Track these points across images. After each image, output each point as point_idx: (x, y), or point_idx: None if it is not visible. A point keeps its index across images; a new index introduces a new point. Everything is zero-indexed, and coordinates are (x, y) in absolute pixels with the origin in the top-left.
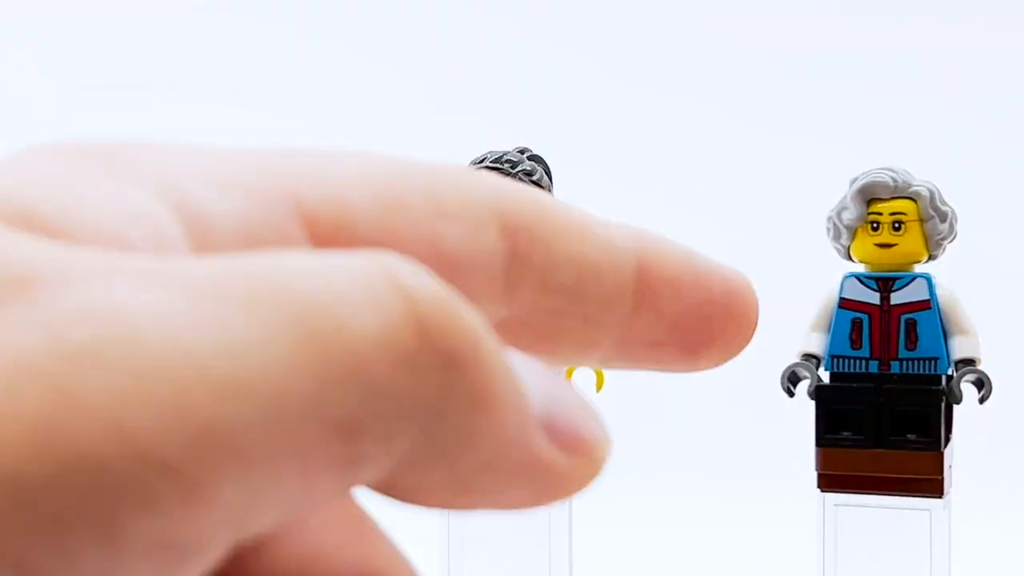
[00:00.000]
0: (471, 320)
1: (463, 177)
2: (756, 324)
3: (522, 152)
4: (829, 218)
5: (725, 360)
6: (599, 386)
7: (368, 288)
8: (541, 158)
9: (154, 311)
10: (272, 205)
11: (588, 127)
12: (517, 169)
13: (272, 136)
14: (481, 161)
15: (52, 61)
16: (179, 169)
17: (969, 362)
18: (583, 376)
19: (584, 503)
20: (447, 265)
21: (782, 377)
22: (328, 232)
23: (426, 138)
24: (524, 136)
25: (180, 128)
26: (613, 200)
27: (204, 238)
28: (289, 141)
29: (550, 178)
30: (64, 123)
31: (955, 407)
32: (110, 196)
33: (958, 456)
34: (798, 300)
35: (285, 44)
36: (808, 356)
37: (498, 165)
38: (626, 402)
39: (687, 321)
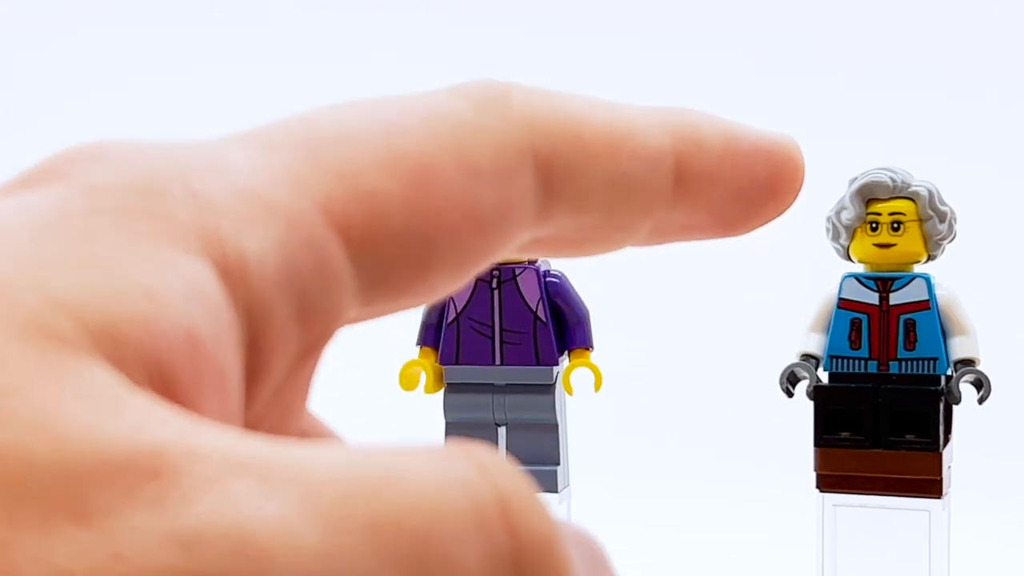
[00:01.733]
0: (566, 557)
1: (494, 120)
2: (800, 190)
3: None
4: (828, 218)
5: (763, 226)
6: (597, 386)
7: (479, 517)
8: None
9: (280, 536)
10: (304, 226)
11: None
12: None
13: None
14: None
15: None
16: (214, 209)
17: (968, 362)
18: (582, 375)
19: (583, 503)
20: (482, 224)
21: (781, 377)
22: (362, 233)
23: None
24: None
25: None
26: None
27: (246, 287)
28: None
29: None
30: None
31: (954, 407)
32: (162, 275)
33: (957, 456)
34: (797, 300)
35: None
36: (807, 356)
37: None
38: (625, 402)
39: (727, 207)
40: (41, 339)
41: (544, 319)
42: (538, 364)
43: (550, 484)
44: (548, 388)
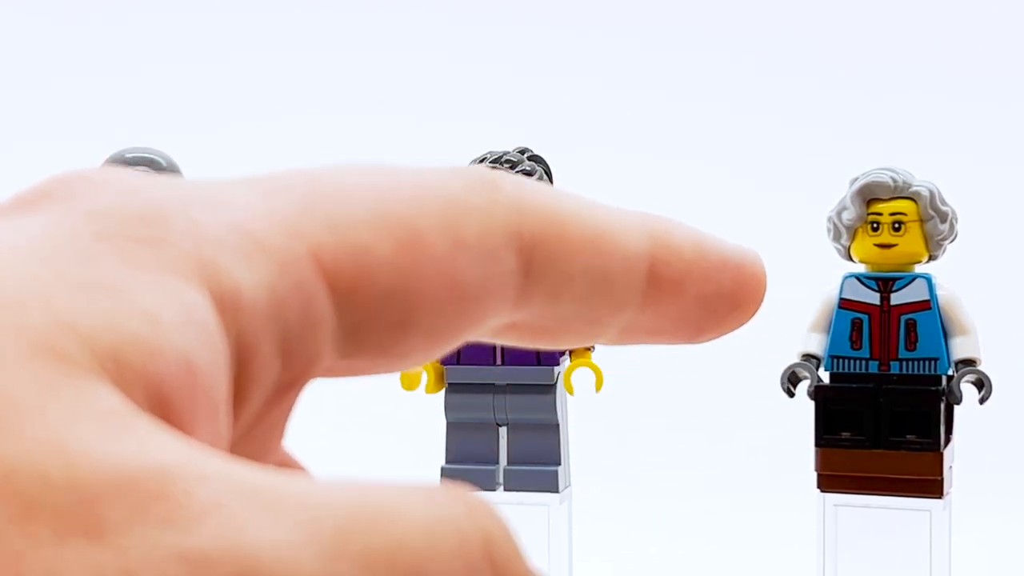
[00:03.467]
0: None
1: (482, 200)
2: (760, 305)
3: (522, 152)
4: (829, 218)
5: (722, 336)
6: (598, 386)
7: (466, 557)
8: (541, 158)
9: (283, 562)
10: (295, 268)
11: (588, 127)
12: (517, 170)
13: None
14: (481, 161)
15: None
16: (213, 240)
17: (969, 362)
18: (583, 375)
19: (583, 503)
20: (462, 296)
21: (782, 377)
22: (348, 285)
23: (426, 139)
24: (524, 137)
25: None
26: (613, 201)
27: (237, 319)
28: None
29: (550, 179)
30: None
31: (955, 407)
32: (163, 302)
33: (958, 457)
34: (798, 300)
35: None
36: (808, 356)
37: (497, 166)
38: (626, 403)
39: (692, 313)
40: (50, 360)
41: None
42: (539, 364)
43: (550, 484)
44: (549, 388)
